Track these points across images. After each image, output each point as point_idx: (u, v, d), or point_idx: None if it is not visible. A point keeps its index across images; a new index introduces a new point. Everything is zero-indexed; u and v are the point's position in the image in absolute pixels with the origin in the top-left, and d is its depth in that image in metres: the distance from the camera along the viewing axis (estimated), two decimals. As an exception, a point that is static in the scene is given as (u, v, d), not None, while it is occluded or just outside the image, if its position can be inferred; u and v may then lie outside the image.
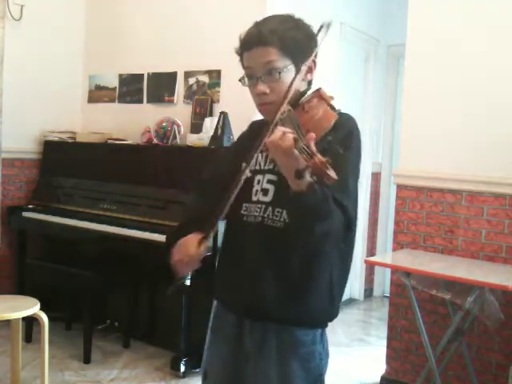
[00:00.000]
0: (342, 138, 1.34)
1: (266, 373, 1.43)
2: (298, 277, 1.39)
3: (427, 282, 2.66)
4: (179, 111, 3.86)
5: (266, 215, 1.41)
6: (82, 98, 4.49)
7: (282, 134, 1.12)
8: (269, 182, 1.43)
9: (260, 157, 1.46)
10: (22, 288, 3.84)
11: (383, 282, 5.27)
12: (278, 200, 1.39)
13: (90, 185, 3.80)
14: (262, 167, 1.45)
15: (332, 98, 1.36)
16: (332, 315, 1.47)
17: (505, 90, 2.83)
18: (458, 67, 2.95)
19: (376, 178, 5.25)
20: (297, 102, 1.35)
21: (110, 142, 3.95)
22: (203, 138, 3.48)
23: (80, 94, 4.48)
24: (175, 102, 3.94)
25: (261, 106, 1.42)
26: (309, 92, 1.40)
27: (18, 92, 3.99)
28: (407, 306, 3.05)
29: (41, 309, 2.64)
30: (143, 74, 4.11)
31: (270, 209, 1.41)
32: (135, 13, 4.17)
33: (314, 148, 1.05)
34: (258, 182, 1.45)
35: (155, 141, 3.68)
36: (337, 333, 4.18)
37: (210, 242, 1.38)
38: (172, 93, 3.94)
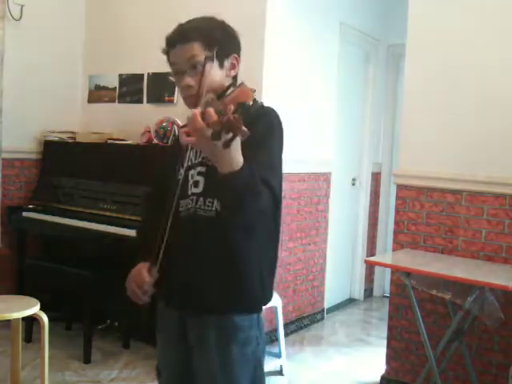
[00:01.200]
0: (266, 125, 1.43)
1: (208, 361, 1.49)
2: (230, 263, 1.45)
3: (427, 282, 2.66)
4: (179, 111, 3.85)
5: (197, 206, 1.47)
6: (82, 98, 4.49)
7: (204, 110, 1.15)
8: (199, 174, 1.49)
9: (191, 153, 1.54)
10: (22, 288, 3.83)
11: (383, 282, 5.27)
12: (208, 190, 1.45)
13: (89, 185, 3.80)
14: (193, 161, 1.51)
15: (253, 90, 1.44)
16: (265, 298, 1.53)
17: (505, 90, 2.83)
18: (458, 67, 2.95)
19: (376, 178, 5.25)
20: (221, 96, 1.43)
21: (109, 142, 3.95)
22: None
23: (80, 94, 4.48)
24: (175, 102, 3.94)
25: (187, 99, 1.51)
26: (232, 87, 1.48)
27: (18, 92, 3.99)
28: (407, 306, 3.05)
29: (41, 309, 2.64)
30: (143, 74, 4.11)
31: (201, 199, 1.47)
32: (135, 13, 4.17)
33: (228, 111, 1.11)
34: (192, 176, 1.51)
35: (155, 141, 3.68)
36: (337, 333, 4.18)
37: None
38: (172, 93, 3.94)
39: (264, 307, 1.55)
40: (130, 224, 3.36)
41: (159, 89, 4.02)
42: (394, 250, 3.18)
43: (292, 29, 3.84)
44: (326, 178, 4.38)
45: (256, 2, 3.50)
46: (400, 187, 3.16)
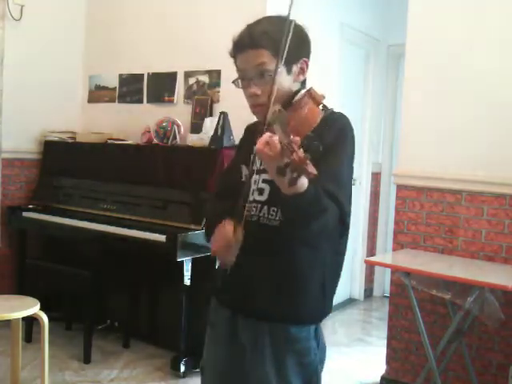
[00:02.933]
0: (336, 135, 1.37)
1: (263, 368, 1.44)
2: (292, 275, 1.41)
3: (427, 282, 2.66)
4: (179, 111, 3.86)
5: (261, 214, 1.43)
6: (82, 98, 4.49)
7: (268, 141, 1.13)
8: (264, 181, 1.45)
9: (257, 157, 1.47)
10: (22, 288, 3.83)
11: (383, 282, 5.27)
12: (273, 199, 1.41)
13: (90, 185, 3.80)
14: (258, 167, 1.46)
15: (323, 96, 1.41)
16: (324, 312, 1.50)
17: (505, 90, 2.83)
18: (458, 67, 2.95)
19: (376, 178, 5.25)
20: (289, 102, 1.38)
21: (109, 142, 3.95)
22: (203, 138, 3.48)
23: (80, 94, 4.48)
24: (175, 101, 3.94)
25: (253, 108, 1.45)
26: (302, 92, 1.44)
27: (18, 92, 3.99)
28: (407, 306, 3.05)
29: (41, 309, 2.64)
30: (143, 74, 4.11)
31: (265, 208, 1.43)
32: (135, 13, 4.17)
33: (295, 146, 1.07)
34: (255, 181, 1.47)
35: (155, 141, 3.68)
36: (337, 333, 4.18)
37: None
38: (172, 93, 3.94)
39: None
40: (130, 224, 3.36)
41: (159, 89, 4.02)
42: (394, 249, 3.18)
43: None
44: (326, 178, 4.37)
45: (256, 2, 3.50)
46: (400, 187, 3.16)
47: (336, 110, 1.48)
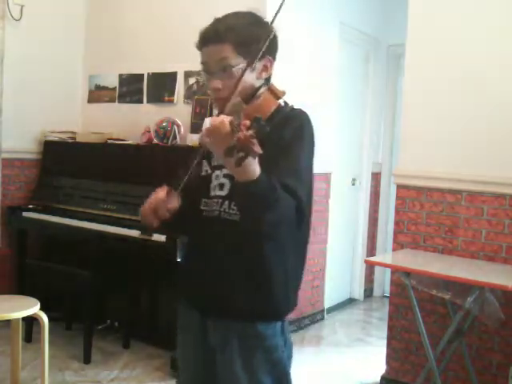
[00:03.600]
0: (294, 132, 1.39)
1: (233, 369, 1.46)
2: (253, 270, 1.42)
3: (427, 282, 2.66)
4: (179, 111, 3.86)
5: (222, 209, 1.44)
6: (82, 98, 4.49)
7: (220, 120, 1.14)
8: (225, 176, 1.46)
9: None
10: (22, 288, 3.83)
11: (383, 282, 5.27)
12: (233, 194, 1.42)
13: (90, 185, 3.80)
14: (220, 162, 1.47)
15: (283, 92, 1.43)
16: (289, 307, 1.50)
17: (505, 90, 2.83)
18: (458, 67, 2.95)
19: (376, 178, 5.25)
20: (251, 98, 1.42)
21: (110, 142, 3.95)
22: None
23: (80, 94, 4.48)
24: (175, 101, 3.94)
25: (215, 101, 1.48)
26: (263, 88, 1.46)
27: (18, 92, 3.99)
28: (407, 306, 3.05)
29: (41, 309, 2.64)
30: (143, 74, 4.11)
31: (226, 203, 1.44)
32: (135, 13, 4.17)
33: (243, 127, 1.09)
34: (216, 177, 1.49)
35: (155, 141, 3.68)
36: (337, 333, 4.18)
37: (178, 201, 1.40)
38: (172, 93, 3.94)
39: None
40: (130, 224, 3.36)
41: (159, 89, 4.02)
42: (394, 249, 3.18)
43: (292, 29, 3.84)
44: (325, 177, 4.38)
45: (256, 2, 3.50)
46: (400, 187, 3.16)
47: (296, 106, 1.50)
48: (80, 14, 4.43)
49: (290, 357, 1.52)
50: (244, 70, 1.34)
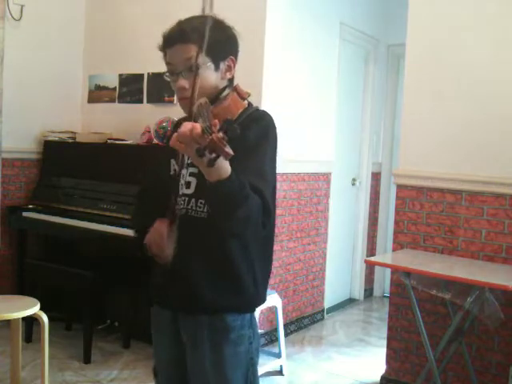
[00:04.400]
0: (258, 133, 1.42)
1: (201, 361, 1.49)
2: (221, 264, 1.45)
3: (427, 282, 2.66)
4: (179, 111, 3.83)
5: (189, 207, 1.47)
6: (82, 98, 4.49)
7: (191, 126, 1.15)
8: (191, 174, 1.49)
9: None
10: (22, 288, 3.84)
11: (383, 282, 5.27)
12: (200, 191, 1.45)
13: (90, 185, 3.80)
14: (186, 161, 1.49)
15: (248, 93, 1.46)
16: (258, 300, 1.53)
17: (505, 90, 2.83)
18: (458, 67, 2.96)
19: (376, 177, 5.25)
20: (216, 98, 1.45)
21: (109, 142, 3.95)
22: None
23: (80, 94, 4.48)
24: (175, 102, 3.93)
25: (181, 101, 1.50)
26: (227, 89, 1.49)
27: (17, 92, 3.99)
28: (407, 305, 3.05)
29: (41, 309, 2.64)
30: (143, 74, 4.11)
31: (193, 200, 1.47)
32: (135, 13, 4.17)
33: (214, 128, 1.11)
34: (183, 176, 1.51)
35: (155, 141, 3.68)
36: (337, 333, 4.18)
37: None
38: (172, 93, 3.93)
39: (259, 308, 1.56)
40: (130, 224, 3.35)
41: (159, 89, 4.02)
42: (394, 250, 3.18)
43: (292, 29, 3.84)
44: (326, 177, 4.38)
45: (256, 2, 3.50)
46: (400, 187, 3.16)
47: (261, 108, 1.53)
48: (80, 13, 4.43)
49: (257, 349, 1.55)
50: (196, 56, 1.37)
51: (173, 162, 1.54)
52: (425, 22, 3.06)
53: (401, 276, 2.70)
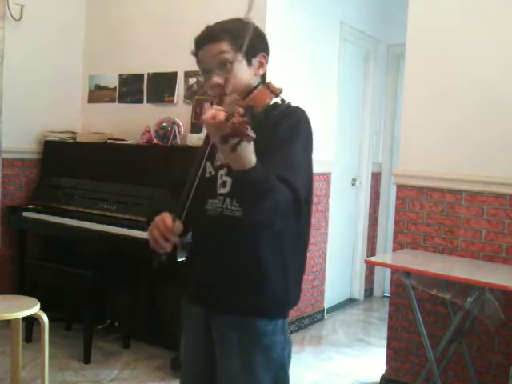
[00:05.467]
0: (290, 127, 1.40)
1: (230, 363, 1.47)
2: (252, 266, 1.43)
3: (427, 282, 2.66)
4: (179, 111, 3.86)
5: (224, 206, 1.46)
6: (82, 98, 4.49)
7: (215, 112, 1.16)
8: (227, 174, 1.48)
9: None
10: (21, 288, 3.83)
11: (383, 282, 5.27)
12: (235, 190, 1.43)
13: (89, 185, 3.80)
14: (222, 161, 1.49)
15: (280, 90, 1.44)
16: (289, 305, 1.51)
17: (505, 90, 2.83)
18: (458, 67, 2.96)
19: (376, 177, 5.25)
20: (248, 95, 1.43)
21: (109, 142, 3.95)
22: (203, 138, 3.48)
23: (80, 93, 4.48)
24: (175, 102, 3.94)
25: (214, 99, 1.47)
26: (260, 86, 1.47)
27: (18, 92, 3.98)
28: (407, 305, 3.05)
29: (41, 309, 2.64)
30: (143, 74, 4.11)
31: (228, 199, 1.46)
32: (135, 13, 4.17)
33: (236, 114, 1.12)
34: (221, 176, 1.50)
35: (155, 141, 3.68)
36: (337, 333, 4.18)
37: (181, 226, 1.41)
38: (172, 93, 3.94)
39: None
40: (130, 224, 3.36)
41: (159, 89, 4.02)
42: (394, 250, 3.18)
43: (292, 29, 3.84)
44: (326, 178, 4.38)
45: (256, 2, 3.50)
46: (400, 187, 3.16)
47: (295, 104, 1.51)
48: (80, 13, 4.43)
49: (289, 355, 1.52)
50: (235, 56, 1.37)
51: (208, 164, 1.52)
52: (425, 22, 3.06)
53: (401, 276, 2.70)
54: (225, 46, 1.44)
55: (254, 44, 1.45)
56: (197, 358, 1.58)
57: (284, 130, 1.39)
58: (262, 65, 1.51)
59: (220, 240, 1.46)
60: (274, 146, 1.34)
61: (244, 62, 1.45)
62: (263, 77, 1.53)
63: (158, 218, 1.42)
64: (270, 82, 1.46)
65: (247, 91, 1.44)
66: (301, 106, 1.48)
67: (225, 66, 1.43)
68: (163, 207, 1.51)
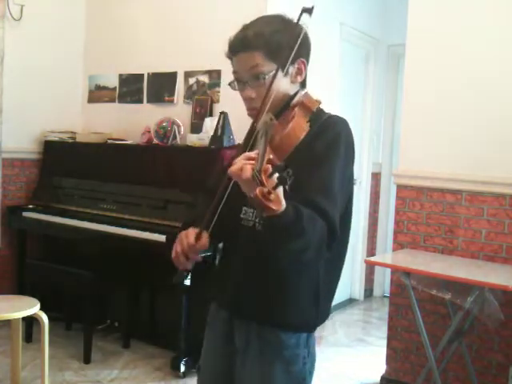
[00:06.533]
0: (328, 143, 1.33)
1: (250, 371, 1.44)
2: (281, 281, 1.39)
3: (427, 282, 2.66)
4: (179, 111, 3.86)
5: (257, 220, 1.41)
6: (82, 98, 4.49)
7: (242, 166, 1.11)
8: None
9: None
10: (22, 288, 3.84)
11: (383, 282, 5.27)
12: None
13: (89, 185, 3.80)
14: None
15: (318, 102, 1.37)
16: (317, 320, 1.46)
17: (505, 90, 2.83)
18: (458, 67, 2.96)
19: (376, 177, 5.25)
20: (286, 106, 1.37)
21: (109, 142, 3.95)
22: (203, 138, 3.48)
23: (80, 93, 4.48)
24: (175, 101, 3.94)
25: (249, 111, 1.43)
26: (298, 95, 1.41)
27: (18, 92, 3.99)
28: (407, 305, 3.05)
29: (41, 309, 2.64)
30: (143, 74, 4.11)
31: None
32: (135, 13, 4.17)
33: (263, 176, 1.04)
34: None
35: (155, 141, 3.68)
36: (337, 333, 4.18)
37: (208, 241, 1.36)
38: (172, 93, 3.94)
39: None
40: (129, 224, 3.36)
41: (159, 89, 4.02)
42: (394, 250, 3.18)
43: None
44: (326, 178, 4.37)
45: (256, 2, 3.50)
46: (400, 187, 3.16)
47: (334, 113, 1.43)
48: (80, 13, 4.43)
49: (311, 370, 1.47)
50: (274, 76, 1.28)
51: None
52: (425, 21, 3.06)
53: (401, 276, 2.71)
54: (259, 57, 1.34)
55: (291, 51, 1.33)
56: (218, 363, 1.55)
57: (321, 147, 1.30)
58: (300, 72, 1.41)
59: (250, 252, 1.41)
60: (312, 163, 1.27)
61: (280, 73, 1.33)
62: (303, 83, 1.44)
63: (182, 234, 1.38)
64: (306, 97, 1.39)
65: (285, 101, 1.38)
66: (341, 116, 1.40)
67: (259, 80, 1.36)
68: (197, 216, 1.47)
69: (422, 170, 3.06)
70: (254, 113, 1.38)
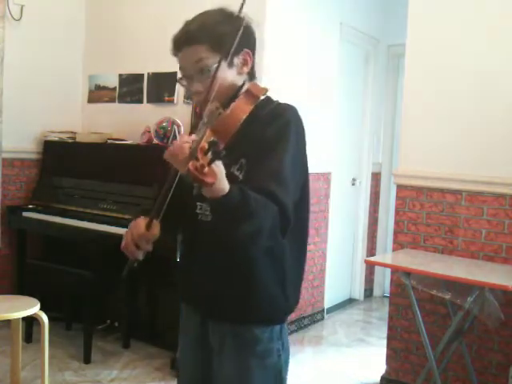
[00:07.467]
0: (277, 130, 1.32)
1: (227, 370, 1.44)
2: (246, 273, 1.38)
3: (427, 282, 2.66)
4: (179, 111, 3.86)
5: (207, 210, 1.40)
6: (82, 98, 4.49)
7: (180, 145, 1.12)
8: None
9: None
10: (21, 288, 3.84)
11: (383, 282, 5.27)
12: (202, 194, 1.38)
13: (90, 185, 3.80)
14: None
15: (265, 89, 1.38)
16: (287, 309, 1.46)
17: (505, 90, 2.83)
18: (458, 67, 2.96)
19: (376, 177, 5.25)
20: (235, 96, 1.38)
21: (109, 142, 3.95)
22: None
23: (80, 93, 4.48)
24: (175, 102, 3.94)
25: (198, 105, 1.43)
26: (245, 86, 1.41)
27: (18, 92, 3.99)
28: (407, 305, 3.05)
29: (41, 309, 2.64)
30: (143, 74, 4.11)
31: (204, 204, 1.41)
32: (135, 13, 4.17)
33: (199, 154, 1.04)
34: None
35: (155, 141, 3.68)
36: (337, 333, 4.18)
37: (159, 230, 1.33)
38: (172, 93, 3.94)
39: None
40: (129, 224, 3.35)
41: (159, 89, 4.02)
42: (394, 250, 3.18)
43: (292, 29, 3.84)
44: (326, 177, 4.38)
45: (256, 2, 3.50)
46: (400, 187, 3.16)
47: (283, 101, 1.43)
48: (80, 14, 4.43)
49: (286, 362, 1.47)
50: (217, 68, 1.26)
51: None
52: (425, 21, 3.06)
53: (401, 276, 2.71)
54: (202, 50, 1.35)
55: (234, 41, 1.32)
56: (193, 365, 1.55)
57: (271, 134, 1.31)
58: (246, 62, 1.40)
59: (211, 247, 1.40)
60: (262, 151, 1.27)
61: (224, 64, 1.31)
62: (250, 74, 1.44)
63: (133, 223, 1.36)
64: (253, 86, 1.40)
65: (233, 91, 1.38)
66: (291, 103, 1.40)
67: (204, 73, 1.36)
68: (149, 207, 1.46)
69: (422, 170, 3.06)
70: (203, 106, 1.35)
